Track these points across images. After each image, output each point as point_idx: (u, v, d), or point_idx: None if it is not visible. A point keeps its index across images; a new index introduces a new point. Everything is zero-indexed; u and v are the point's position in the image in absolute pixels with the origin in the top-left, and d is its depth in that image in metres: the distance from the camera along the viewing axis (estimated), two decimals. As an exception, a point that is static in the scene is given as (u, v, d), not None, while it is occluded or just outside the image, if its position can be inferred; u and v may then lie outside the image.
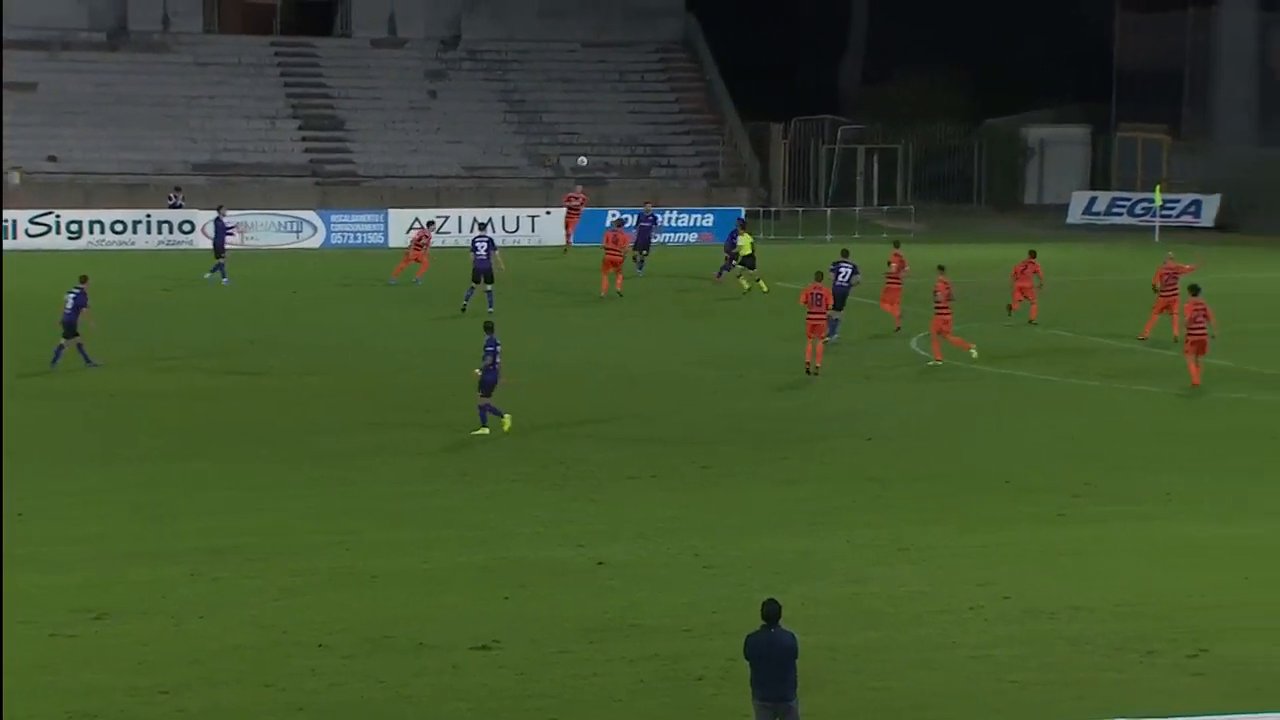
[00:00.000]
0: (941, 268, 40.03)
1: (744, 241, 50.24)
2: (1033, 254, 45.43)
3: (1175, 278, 41.28)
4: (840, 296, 41.23)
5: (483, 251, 46.05)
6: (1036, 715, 18.93)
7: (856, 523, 26.13)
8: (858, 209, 70.86)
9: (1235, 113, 71.77)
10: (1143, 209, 68.70)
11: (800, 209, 69.56)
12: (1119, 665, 20.24)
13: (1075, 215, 70.63)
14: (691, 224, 64.43)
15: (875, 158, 74.97)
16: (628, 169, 71.87)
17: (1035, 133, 77.95)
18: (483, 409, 31.32)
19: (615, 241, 49.26)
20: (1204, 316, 36.00)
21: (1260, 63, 72.34)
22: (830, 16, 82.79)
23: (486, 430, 31.17)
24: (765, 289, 49.03)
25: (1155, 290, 42.05)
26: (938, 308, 38.65)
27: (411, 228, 56.98)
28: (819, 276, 38.90)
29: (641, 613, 21.85)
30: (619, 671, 19.92)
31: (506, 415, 31.30)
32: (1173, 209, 68.39)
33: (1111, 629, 21.42)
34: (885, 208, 72.04)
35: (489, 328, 32.16)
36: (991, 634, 21.24)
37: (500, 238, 60.16)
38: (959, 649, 20.71)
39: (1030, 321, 44.43)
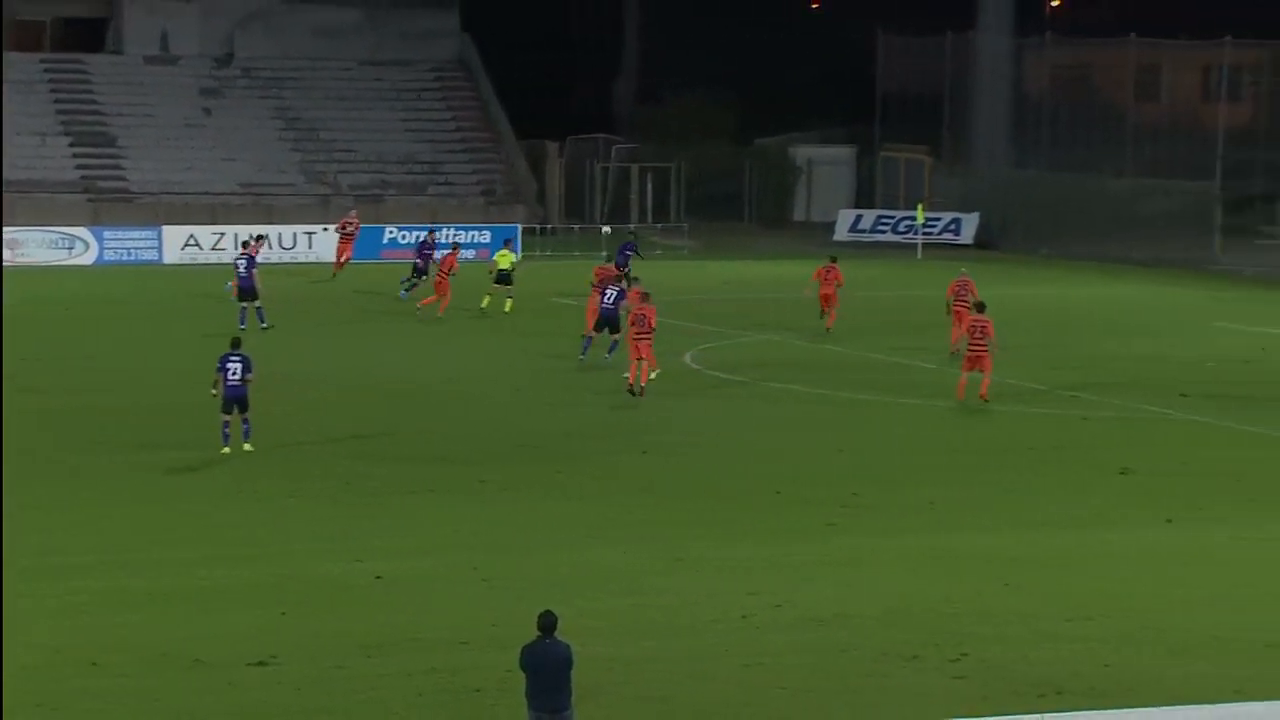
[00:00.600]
0: (646, 295, 38.06)
1: (500, 257, 50.23)
2: (834, 259, 46.18)
3: (967, 290, 41.91)
4: (608, 319, 40.52)
5: (244, 269, 45.74)
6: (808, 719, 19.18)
7: (633, 535, 26.27)
8: (632, 226, 71.23)
9: (992, 135, 73.42)
10: (906, 226, 69.91)
11: (576, 226, 69.86)
12: (885, 670, 20.59)
13: (842, 232, 71.68)
14: (469, 240, 64.32)
15: (649, 176, 75.51)
16: (405, 186, 71.59)
17: (803, 153, 79.15)
18: (225, 427, 30.73)
19: (449, 266, 48.35)
20: (984, 334, 36.50)
21: (1015, 87, 74.10)
22: (604, 38, 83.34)
23: (227, 450, 30.62)
24: (508, 309, 48.40)
25: (949, 304, 42.58)
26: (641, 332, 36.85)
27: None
28: (645, 297, 37.78)
29: (420, 626, 21.77)
30: (397, 685, 19.83)
31: (247, 444, 30.69)
32: (934, 226, 69.69)
33: (878, 636, 21.77)
34: (659, 225, 72.58)
35: (235, 344, 31.64)
36: (764, 642, 21.48)
37: (278, 255, 59.65)
38: (732, 658, 20.91)
39: (827, 330, 45.07)
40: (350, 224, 58.46)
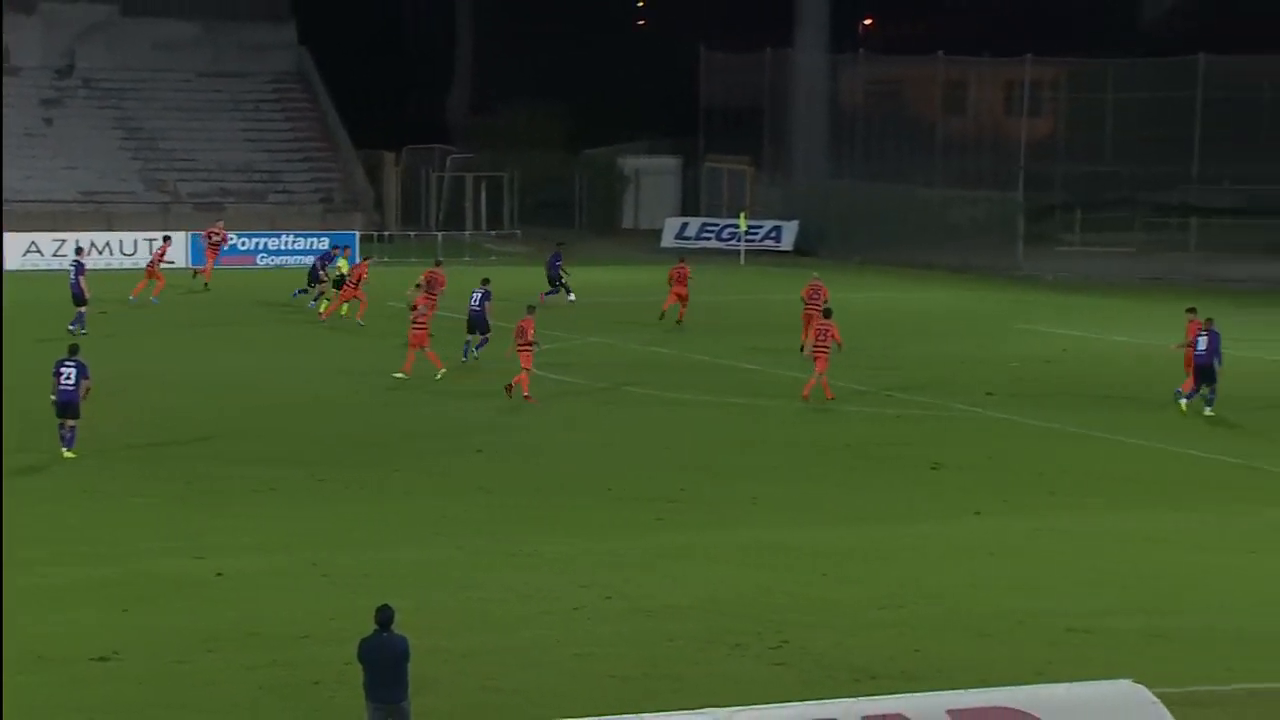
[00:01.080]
0: (532, 308, 38.45)
1: (343, 264, 50.28)
2: (683, 259, 47.64)
3: (819, 294, 42.82)
4: (476, 320, 40.69)
5: (73, 276, 45.43)
6: (635, 708, 19.25)
7: (468, 532, 26.24)
8: (467, 233, 71.20)
9: (810, 147, 74.22)
10: (729, 234, 70.41)
11: (412, 233, 69.60)
12: (709, 659, 20.74)
13: (668, 239, 72.01)
14: (308, 247, 63.86)
15: (483, 185, 75.41)
16: (244, 194, 70.90)
17: (630, 163, 79.51)
18: (61, 429, 30.30)
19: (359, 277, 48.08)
20: (828, 338, 37.15)
21: (831, 101, 74.98)
22: (437, 50, 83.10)
23: (71, 454, 30.20)
24: (322, 313, 48.19)
25: (804, 302, 43.54)
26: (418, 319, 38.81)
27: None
28: (531, 310, 37.82)
29: (260, 621, 21.60)
30: (238, 679, 19.66)
31: (70, 451, 30.29)
32: (756, 234, 70.25)
33: (703, 625, 21.93)
34: (493, 232, 72.53)
35: (72, 350, 31.23)
36: (594, 633, 21.55)
37: (119, 261, 58.87)
38: (564, 648, 20.96)
39: (678, 321, 46.40)
40: (216, 234, 57.59)
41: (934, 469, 31.13)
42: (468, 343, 41.04)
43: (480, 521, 26.94)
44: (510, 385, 36.48)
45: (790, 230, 71.41)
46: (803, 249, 70.06)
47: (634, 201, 79.41)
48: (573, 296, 51.46)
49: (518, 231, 71.49)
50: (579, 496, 28.71)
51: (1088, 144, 70.17)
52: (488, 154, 76.35)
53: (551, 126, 78.96)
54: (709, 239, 71.98)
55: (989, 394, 38.41)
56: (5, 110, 69.96)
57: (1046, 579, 24.32)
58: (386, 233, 69.10)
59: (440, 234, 68.17)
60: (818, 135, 74.26)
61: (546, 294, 50.46)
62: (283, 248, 63.34)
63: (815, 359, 37.28)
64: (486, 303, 40.93)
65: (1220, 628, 22.18)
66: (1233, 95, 68.23)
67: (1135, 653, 21.05)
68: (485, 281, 42.50)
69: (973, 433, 34.88)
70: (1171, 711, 13.51)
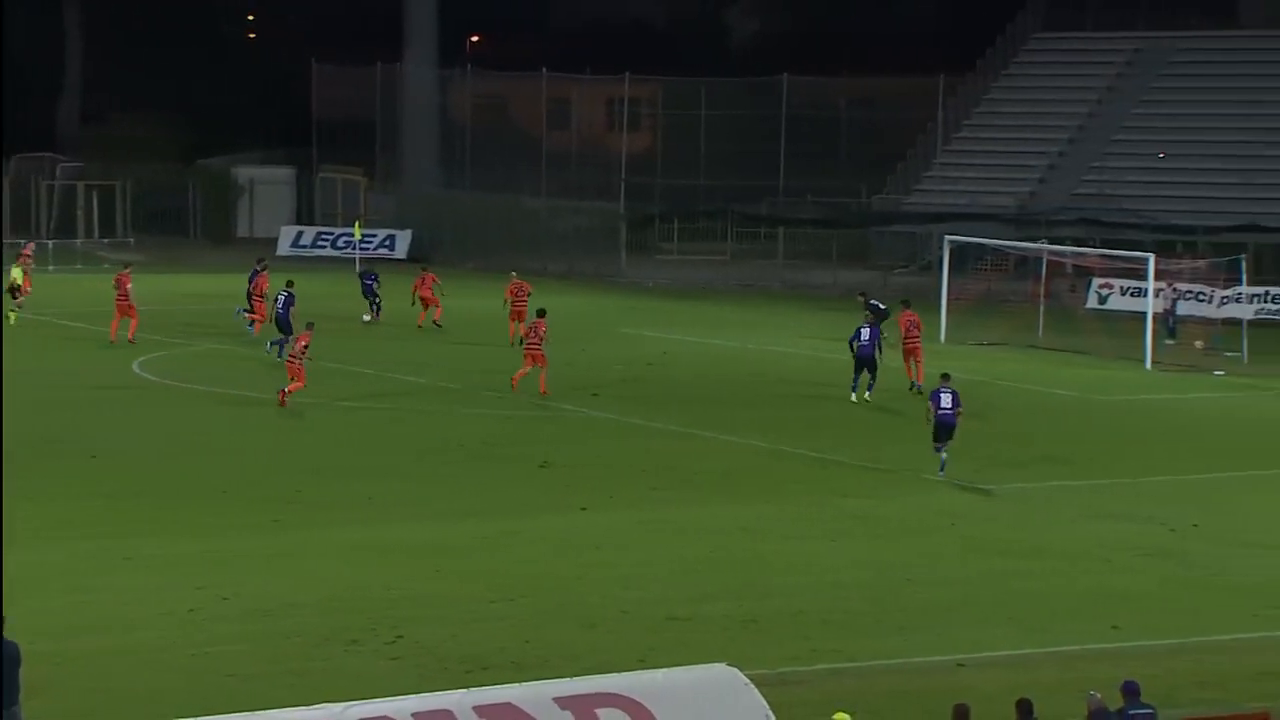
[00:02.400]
0: (310, 325, 38.17)
1: (16, 272, 48.47)
2: (425, 267, 49.30)
3: (524, 293, 45.38)
4: (281, 322, 41.82)
5: None
6: (253, 705, 18.85)
7: (81, 536, 25.43)
8: (79, 241, 69.05)
9: (421, 158, 74.10)
10: (344, 242, 69.72)
11: (23, 241, 67.06)
12: (326, 655, 20.52)
13: (284, 247, 70.99)
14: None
15: (95, 193, 73.25)
16: None
17: (245, 172, 78.28)
18: None
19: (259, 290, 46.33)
20: (536, 334, 38.24)
21: (441, 114, 75.05)
22: (46, 57, 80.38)
23: None
24: (13, 321, 46.53)
25: (509, 301, 45.62)
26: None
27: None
28: (310, 327, 37.76)
29: None
30: None
31: None
32: (371, 242, 69.82)
33: (320, 622, 21.67)
34: (106, 240, 70.48)
35: None
36: (211, 633, 21.11)
37: None
38: (180, 649, 20.47)
39: (436, 323, 47.61)
40: (27, 256, 53.42)
41: (543, 467, 31.34)
42: (281, 341, 41.35)
43: (93, 525, 26.14)
44: (280, 397, 35.90)
45: (404, 239, 71.17)
46: (416, 257, 69.83)
47: (249, 211, 78.13)
48: (366, 317, 49.98)
49: (130, 240, 69.62)
50: (196, 499, 28.07)
51: (684, 158, 71.62)
52: (100, 163, 74.17)
53: (165, 136, 77.23)
54: (324, 247, 71.19)
55: (595, 395, 38.84)
56: None
57: (649, 570, 24.71)
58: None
59: (51, 242, 65.88)
60: (428, 147, 74.21)
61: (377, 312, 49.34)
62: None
63: (526, 355, 38.25)
64: (291, 306, 42.14)
65: (807, 611, 22.85)
66: (813, 114, 70.52)
67: (730, 637, 21.54)
68: (290, 284, 43.32)
69: (580, 432, 35.23)
70: (763, 692, 13.82)
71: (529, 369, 38.18)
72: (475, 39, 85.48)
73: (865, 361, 38.13)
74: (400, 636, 21.17)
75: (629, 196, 68.72)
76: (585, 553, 25.62)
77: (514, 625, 21.86)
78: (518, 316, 44.86)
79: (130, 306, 44.94)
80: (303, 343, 36.76)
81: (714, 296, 60.09)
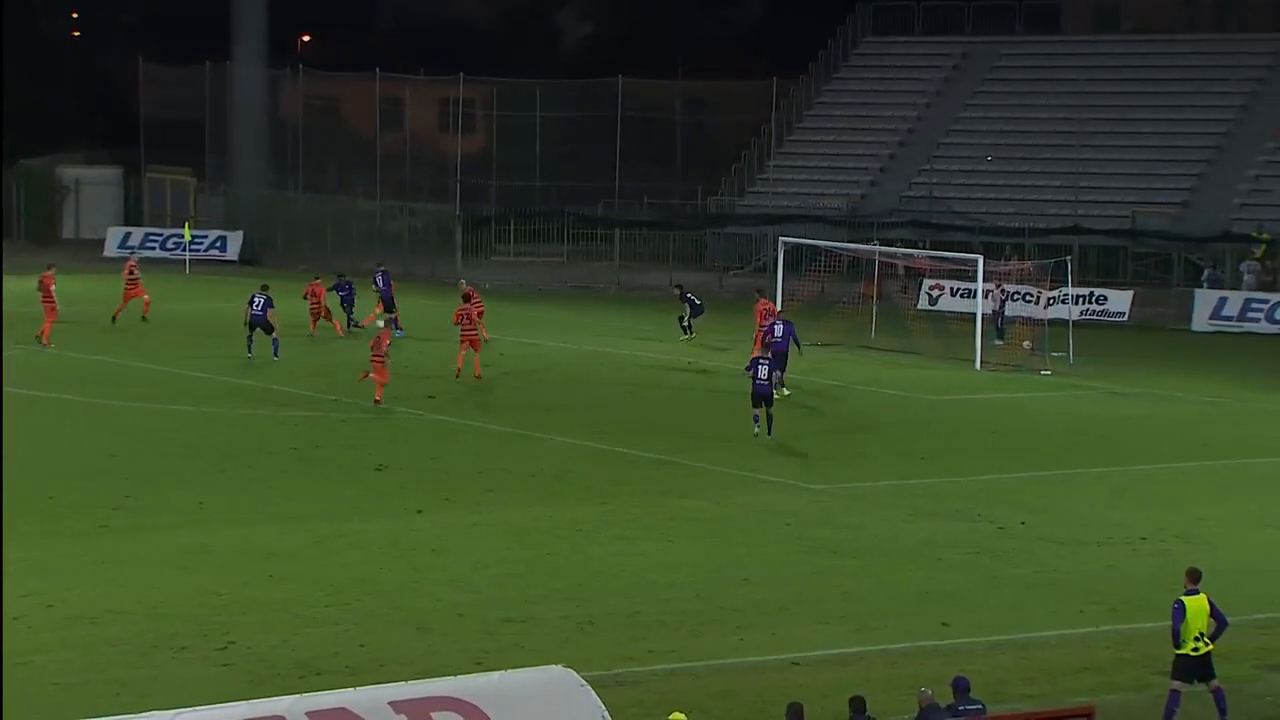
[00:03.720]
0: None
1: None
2: (317, 276, 49.39)
3: (318, 296, 46.98)
4: (258, 321, 42.85)
5: None
6: (78, 714, 18.54)
7: (-100, 545, 24.75)
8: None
9: (252, 158, 73.27)
10: (174, 244, 68.79)
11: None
12: (155, 662, 20.20)
13: (111, 249, 69.80)
14: None
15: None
16: None
17: (70, 173, 76.91)
18: None
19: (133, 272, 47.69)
20: (469, 320, 40.98)
21: (271, 114, 74.26)
22: None
23: None
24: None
25: (307, 299, 46.65)
26: None
27: None
28: (388, 324, 40.57)
29: None
30: None
31: None
32: (201, 244, 68.89)
33: (148, 629, 21.33)
34: (-75, 242, 68.84)
35: None
36: (35, 641, 20.69)
37: None
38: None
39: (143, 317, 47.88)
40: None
41: (378, 470, 31.11)
42: (250, 340, 42.77)
43: (-85, 535, 25.46)
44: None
45: (235, 240, 70.31)
46: (248, 259, 69.08)
47: (75, 211, 76.73)
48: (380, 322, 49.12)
49: (-50, 241, 68.17)
50: (19, 506, 27.39)
51: (518, 160, 71.52)
52: (-82, 163, 72.51)
53: (-16, 136, 75.66)
54: (153, 249, 70.05)
55: (431, 397, 38.64)
56: None
57: (485, 572, 24.63)
58: None
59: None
60: (259, 148, 73.36)
61: (392, 316, 48.07)
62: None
63: (465, 340, 40.98)
64: (269, 308, 43.06)
65: (642, 612, 22.90)
66: (648, 116, 70.80)
67: (566, 639, 21.53)
68: (265, 288, 44.06)
69: (416, 435, 35.02)
70: (599, 693, 13.83)
71: (466, 354, 40.80)
72: (306, 39, 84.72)
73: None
74: (231, 642, 20.89)
75: (464, 198, 68.48)
76: (420, 555, 25.47)
77: (348, 629, 21.67)
78: (321, 316, 47.16)
79: (53, 306, 45.56)
80: (386, 342, 37.93)
81: (549, 298, 60.07)
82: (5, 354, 38.50)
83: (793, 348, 38.97)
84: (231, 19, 73.60)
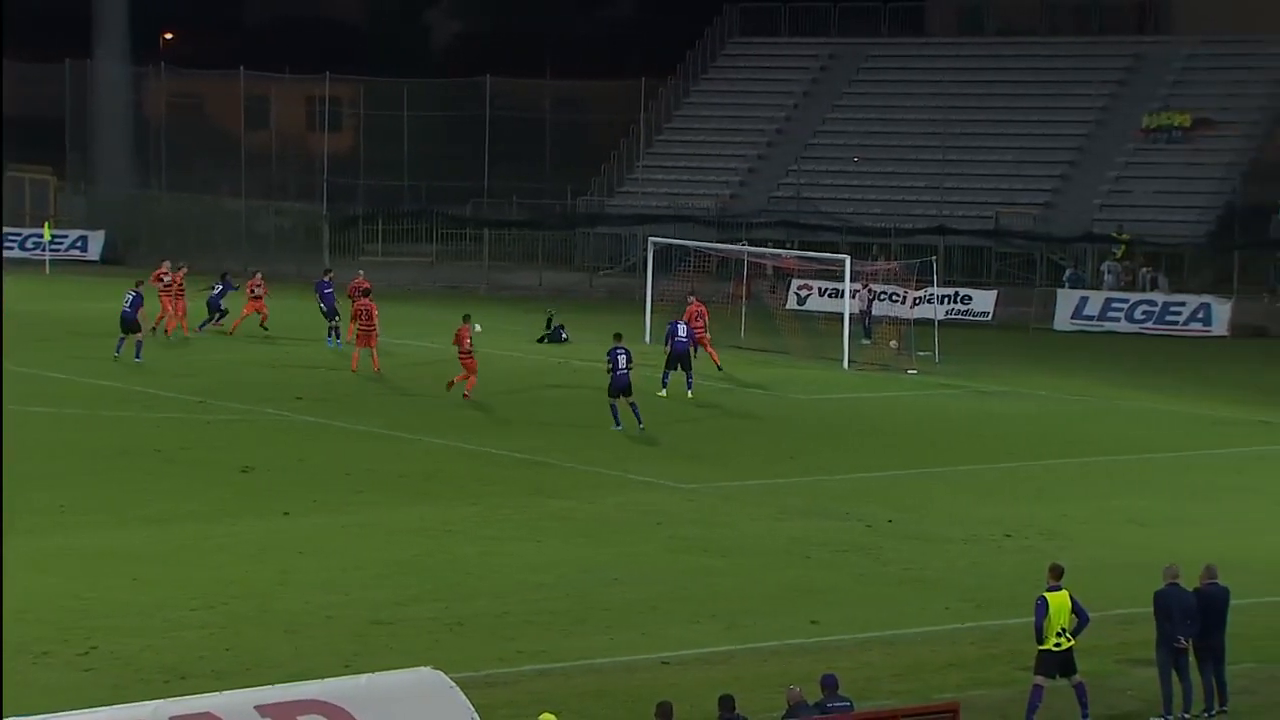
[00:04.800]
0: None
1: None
2: (256, 272, 49.83)
3: (260, 288, 47.84)
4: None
5: None
6: (-63, 723, 18.22)
7: None
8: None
9: (114, 157, 72.34)
10: (33, 244, 67.76)
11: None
12: (15, 668, 19.80)
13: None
14: None
15: None
16: None
17: (-76, 171, 75.49)
18: None
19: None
20: (369, 315, 41.95)
21: (134, 112, 73.37)
22: None
23: None
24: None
25: (251, 295, 47.69)
26: None
27: None
28: (466, 319, 39.35)
29: None
30: None
31: None
32: (62, 243, 67.95)
33: (7, 634, 20.88)
34: None
35: None
36: (-110, 650, 20.24)
37: None
38: None
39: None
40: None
41: (244, 471, 30.82)
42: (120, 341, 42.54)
43: None
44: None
45: (97, 240, 69.37)
46: (110, 258, 68.17)
47: (-70, 211, 75.39)
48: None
49: None
50: (-126, 511, 26.92)
51: (387, 159, 71.14)
52: None
53: None
54: (12, 248, 68.87)
55: (299, 398, 38.33)
56: None
57: (353, 574, 24.47)
58: None
59: None
60: (122, 146, 72.45)
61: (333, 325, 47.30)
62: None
63: (362, 335, 41.85)
64: (139, 306, 42.86)
65: (511, 612, 22.86)
66: (517, 115, 70.70)
67: (435, 640, 21.45)
68: (139, 284, 44.18)
69: (283, 436, 34.74)
70: (468, 694, 13.78)
71: (363, 351, 41.88)
72: (169, 36, 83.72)
73: (680, 358, 39.05)
74: (94, 648, 20.60)
75: (331, 197, 68.01)
76: (287, 557, 25.26)
77: (214, 633, 21.44)
78: (256, 310, 47.79)
79: None
80: (467, 339, 38.62)
81: (419, 298, 59.77)
82: None
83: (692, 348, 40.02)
84: (92, 15, 72.62)
